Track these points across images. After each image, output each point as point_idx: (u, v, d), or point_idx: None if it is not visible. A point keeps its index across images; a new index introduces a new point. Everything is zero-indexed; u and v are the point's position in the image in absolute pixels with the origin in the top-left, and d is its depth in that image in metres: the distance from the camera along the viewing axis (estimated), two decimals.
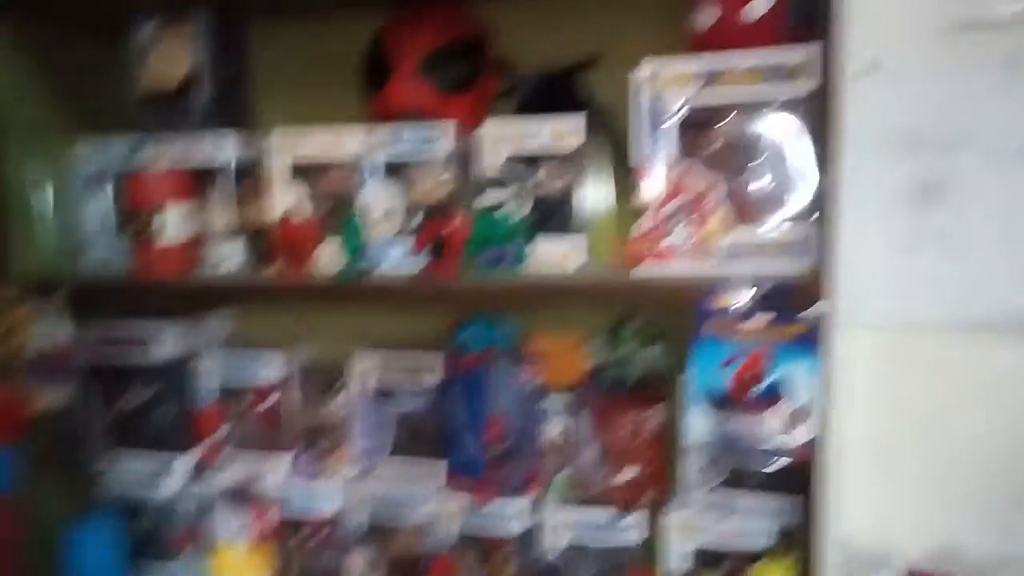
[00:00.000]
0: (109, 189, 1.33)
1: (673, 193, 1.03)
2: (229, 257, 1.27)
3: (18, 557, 1.28)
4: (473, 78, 1.23)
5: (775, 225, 1.00)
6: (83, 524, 1.33)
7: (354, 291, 1.16)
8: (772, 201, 1.02)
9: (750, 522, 1.08)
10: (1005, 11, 0.97)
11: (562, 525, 1.16)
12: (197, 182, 1.26)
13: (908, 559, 1.01)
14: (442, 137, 1.15)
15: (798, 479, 1.08)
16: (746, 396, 0.93)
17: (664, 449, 1.16)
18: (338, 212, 1.21)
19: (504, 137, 1.13)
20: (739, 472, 1.09)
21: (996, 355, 1.02)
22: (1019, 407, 1.02)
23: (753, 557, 1.09)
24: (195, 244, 1.27)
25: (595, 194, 1.20)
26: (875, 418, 1.01)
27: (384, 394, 1.28)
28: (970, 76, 1.03)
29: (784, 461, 0.93)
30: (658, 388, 1.17)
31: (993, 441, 1.03)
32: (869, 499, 1.01)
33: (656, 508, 1.15)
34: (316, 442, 1.34)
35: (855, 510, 1.00)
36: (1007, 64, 1.03)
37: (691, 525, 1.11)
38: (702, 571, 1.12)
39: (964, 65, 1.03)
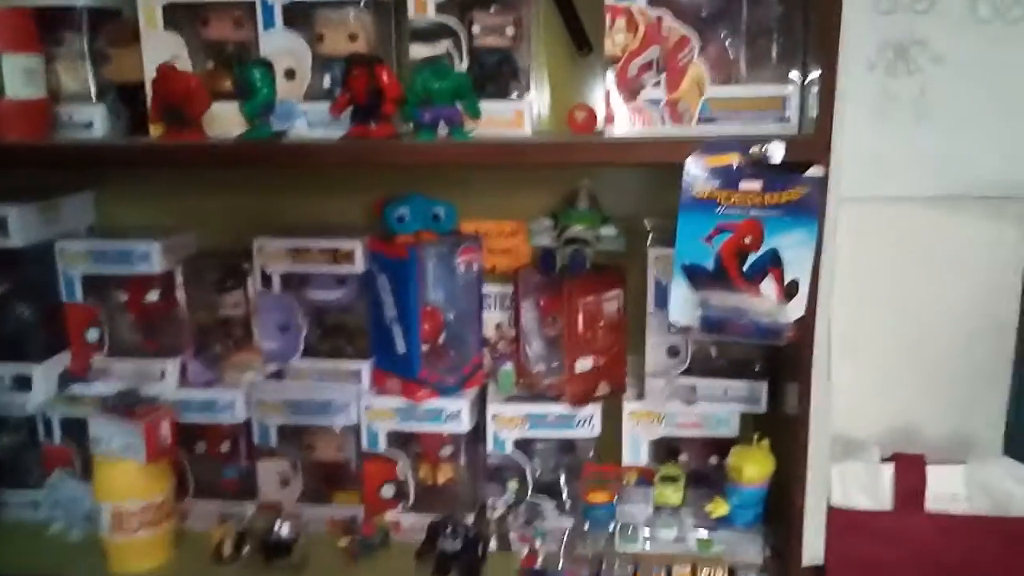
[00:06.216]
0: None
1: (643, 46, 0.89)
2: (90, 120, 1.05)
3: None
4: None
5: (757, 84, 0.90)
6: None
7: (259, 156, 0.97)
8: (753, 58, 0.91)
9: (713, 409, 1.02)
10: None
11: (509, 422, 1.06)
12: (45, 27, 1.04)
13: (876, 441, 0.99)
14: None
15: (766, 363, 1.04)
16: (731, 271, 0.84)
17: (621, 336, 1.06)
18: (228, 67, 1.03)
19: None
20: (705, 357, 1.03)
21: (965, 227, 0.99)
22: (983, 281, 1.00)
23: (716, 444, 1.04)
24: (45, 104, 1.03)
25: (548, 48, 1.04)
26: (846, 296, 0.96)
27: (293, 286, 1.11)
28: None
29: (768, 342, 0.86)
30: (613, 271, 1.06)
31: (957, 317, 1.01)
32: (843, 380, 0.97)
33: (613, 399, 1.06)
34: (212, 343, 1.16)
35: (835, 392, 0.96)
36: None
37: (652, 414, 1.04)
38: (663, 462, 1.06)
39: None
